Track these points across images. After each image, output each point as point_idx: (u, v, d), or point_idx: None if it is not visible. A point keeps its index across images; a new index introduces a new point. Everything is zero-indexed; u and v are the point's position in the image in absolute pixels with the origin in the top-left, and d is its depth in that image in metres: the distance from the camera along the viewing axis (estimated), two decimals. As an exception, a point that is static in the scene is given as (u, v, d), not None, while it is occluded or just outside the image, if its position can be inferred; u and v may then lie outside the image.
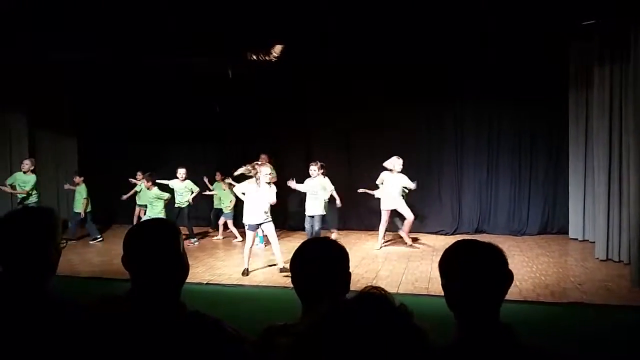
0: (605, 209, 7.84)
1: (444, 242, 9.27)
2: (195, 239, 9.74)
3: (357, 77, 10.19)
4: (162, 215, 8.91)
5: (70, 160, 11.62)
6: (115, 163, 11.50)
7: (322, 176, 8.76)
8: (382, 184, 8.96)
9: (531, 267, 7.52)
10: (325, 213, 8.72)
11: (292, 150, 10.94)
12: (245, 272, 7.26)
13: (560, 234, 9.84)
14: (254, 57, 8.88)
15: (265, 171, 7.38)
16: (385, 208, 8.87)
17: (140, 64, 9.69)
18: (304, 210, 8.73)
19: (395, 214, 8.96)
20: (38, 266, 1.76)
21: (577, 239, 9.33)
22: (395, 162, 8.80)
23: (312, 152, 10.57)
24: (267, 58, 8.91)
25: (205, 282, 6.90)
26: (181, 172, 9.66)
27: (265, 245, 9.22)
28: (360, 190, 9.28)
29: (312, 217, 8.54)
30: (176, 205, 9.61)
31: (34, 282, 1.75)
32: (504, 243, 9.25)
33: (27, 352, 1.60)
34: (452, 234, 10.16)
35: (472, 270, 1.51)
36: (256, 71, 9.69)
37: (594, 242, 8.27)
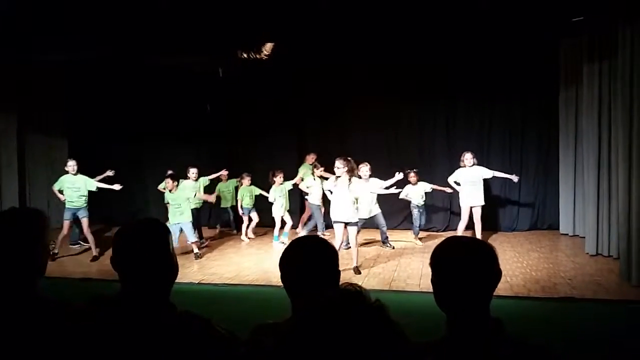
0: (594, 204, 7.91)
1: (435, 239, 9.30)
2: (205, 240, 9.42)
3: (351, 77, 10.22)
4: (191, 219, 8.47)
5: (61, 161, 11.54)
6: (107, 164, 11.41)
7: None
8: (455, 182, 8.61)
9: (522, 262, 7.57)
10: None
11: (287, 150, 10.93)
12: (357, 270, 7.14)
13: (551, 229, 9.93)
14: (245, 55, 8.85)
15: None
16: (463, 205, 8.54)
17: (131, 64, 9.63)
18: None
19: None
20: (27, 267, 1.75)
21: (567, 234, 9.41)
22: (465, 157, 8.49)
23: (308, 151, 10.58)
24: (258, 56, 8.88)
25: (197, 282, 6.88)
26: (193, 171, 9.32)
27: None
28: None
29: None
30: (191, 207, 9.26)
31: (23, 283, 1.74)
32: (495, 239, 9.31)
33: (16, 353, 1.59)
34: (443, 231, 10.21)
35: (463, 268, 1.52)
36: (251, 70, 9.66)
37: (584, 237, 8.34)
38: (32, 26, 7.36)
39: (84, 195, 8.46)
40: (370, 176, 8.40)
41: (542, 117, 9.93)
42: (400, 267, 7.46)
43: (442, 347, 1.48)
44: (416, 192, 9.18)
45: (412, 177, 9.16)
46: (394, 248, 8.77)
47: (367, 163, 8.38)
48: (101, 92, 11.24)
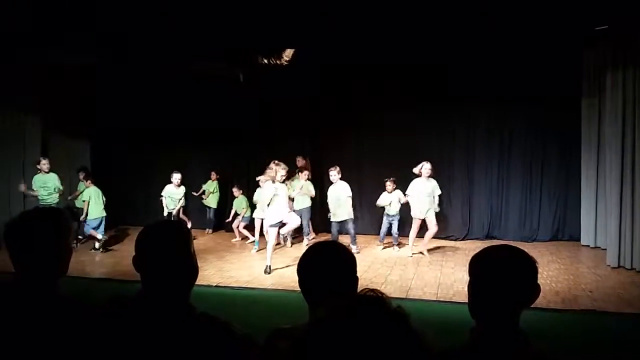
0: (617, 215, 7.76)
1: (453, 247, 9.23)
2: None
3: (363, 78, 10.21)
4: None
5: (84, 161, 11.72)
6: (128, 164, 11.60)
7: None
8: (412, 191, 8.72)
9: (542, 273, 7.45)
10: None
11: (295, 152, 10.95)
12: (268, 270, 7.59)
13: (572, 240, 9.75)
14: (265, 61, 8.92)
15: (281, 172, 7.84)
16: (414, 216, 8.66)
17: (153, 68, 9.77)
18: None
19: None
20: (49, 266, 1.78)
21: (588, 246, 9.25)
22: (423, 167, 8.65)
23: (316, 154, 10.59)
24: (278, 62, 8.94)
25: (214, 285, 6.92)
26: (176, 177, 9.74)
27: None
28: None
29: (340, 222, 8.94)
30: (167, 211, 9.79)
31: (45, 282, 1.77)
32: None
33: (37, 352, 1.62)
34: (462, 239, 10.10)
35: (502, 277, 1.51)
36: (265, 74, 9.72)
37: (606, 249, 8.19)
38: (49, 27, 7.52)
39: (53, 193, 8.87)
40: (340, 179, 8.93)
41: (563, 125, 9.75)
42: (417, 275, 7.40)
43: (465, 354, 1.47)
44: (385, 200, 9.30)
45: (388, 184, 9.29)
46: (358, 253, 8.87)
47: (336, 166, 8.97)
48: (123, 94, 11.41)
